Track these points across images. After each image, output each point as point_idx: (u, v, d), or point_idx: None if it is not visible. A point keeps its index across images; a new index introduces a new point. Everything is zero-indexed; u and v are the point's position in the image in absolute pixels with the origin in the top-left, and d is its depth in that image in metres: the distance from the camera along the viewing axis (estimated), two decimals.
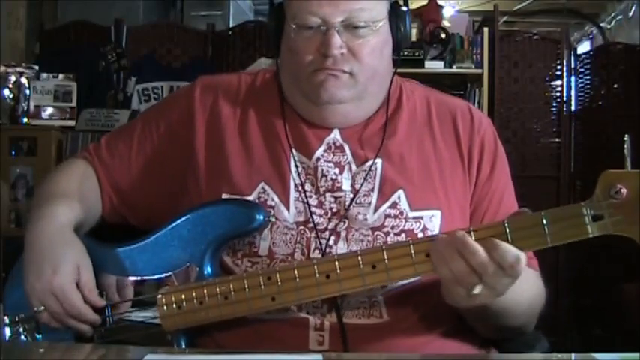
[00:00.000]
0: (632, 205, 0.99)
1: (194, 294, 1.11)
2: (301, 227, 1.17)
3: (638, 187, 0.99)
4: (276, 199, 1.18)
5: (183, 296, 1.12)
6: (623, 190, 0.99)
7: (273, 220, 1.17)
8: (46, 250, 1.15)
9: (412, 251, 1.05)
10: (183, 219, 1.18)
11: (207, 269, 1.15)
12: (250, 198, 1.18)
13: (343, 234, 1.16)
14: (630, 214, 0.99)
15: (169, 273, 1.17)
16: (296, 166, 1.20)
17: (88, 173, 1.29)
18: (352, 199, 1.18)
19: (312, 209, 1.17)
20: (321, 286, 1.07)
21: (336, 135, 1.23)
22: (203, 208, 1.18)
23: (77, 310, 1.13)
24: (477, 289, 1.01)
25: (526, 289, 1.12)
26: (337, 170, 1.20)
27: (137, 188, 1.29)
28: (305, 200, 1.18)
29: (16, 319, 1.16)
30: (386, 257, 1.05)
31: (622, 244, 1.01)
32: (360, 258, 1.06)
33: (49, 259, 1.13)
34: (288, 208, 1.18)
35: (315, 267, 1.07)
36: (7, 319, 1.16)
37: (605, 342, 3.60)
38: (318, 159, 1.21)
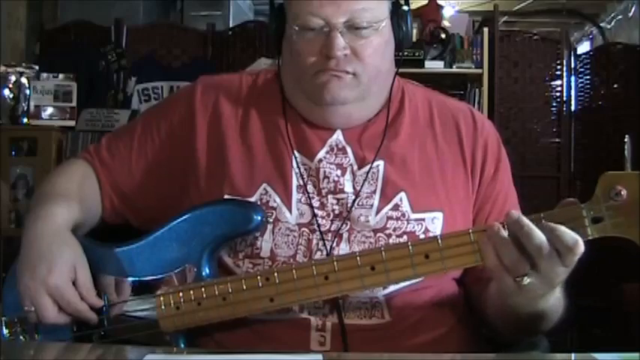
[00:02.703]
0: (633, 207, 0.98)
1: (192, 295, 1.11)
2: (303, 229, 1.17)
3: (638, 189, 0.98)
4: (278, 200, 1.18)
5: (181, 297, 1.11)
6: (624, 192, 0.98)
7: (271, 220, 1.16)
8: (42, 250, 1.14)
9: (411, 252, 1.04)
10: (180, 219, 1.18)
11: (205, 270, 1.15)
12: (252, 199, 1.18)
13: (345, 236, 1.16)
14: (630, 215, 0.98)
15: (167, 273, 1.16)
16: (298, 168, 1.20)
17: (88, 174, 1.29)
18: (354, 201, 1.18)
19: (315, 211, 1.17)
20: (320, 287, 1.07)
21: (338, 136, 1.23)
22: (200, 208, 1.18)
23: (74, 308, 1.12)
24: (527, 280, 0.98)
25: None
26: (339, 172, 1.20)
27: (138, 189, 1.28)
28: (308, 202, 1.18)
29: (15, 320, 1.15)
30: (385, 258, 1.05)
31: (622, 245, 1.00)
32: (358, 259, 1.06)
33: (44, 259, 1.13)
34: (290, 210, 1.18)
35: (314, 268, 1.07)
36: (3, 321, 1.15)
37: (605, 342, 3.60)
38: (320, 160, 1.21)
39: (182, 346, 1.13)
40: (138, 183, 1.28)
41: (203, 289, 1.11)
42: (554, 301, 1.08)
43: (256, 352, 1.03)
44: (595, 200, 0.99)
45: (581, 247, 0.97)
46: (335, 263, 1.06)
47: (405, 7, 1.24)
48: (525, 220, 0.98)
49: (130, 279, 1.18)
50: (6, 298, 1.20)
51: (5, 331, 1.16)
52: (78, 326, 1.15)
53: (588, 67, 4.23)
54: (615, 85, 4.15)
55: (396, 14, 1.22)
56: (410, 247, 1.05)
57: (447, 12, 4.51)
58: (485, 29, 4.03)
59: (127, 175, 1.28)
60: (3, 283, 1.22)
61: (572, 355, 1.12)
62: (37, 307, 1.11)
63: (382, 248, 1.06)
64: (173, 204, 1.24)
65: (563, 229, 0.97)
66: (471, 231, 1.03)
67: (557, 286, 1.02)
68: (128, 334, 1.16)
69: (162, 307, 1.12)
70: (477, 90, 3.96)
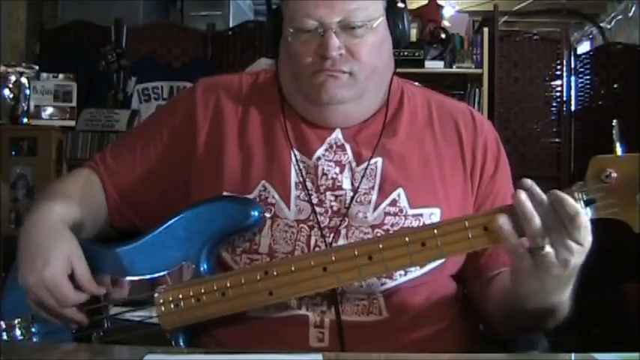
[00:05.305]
0: (623, 189, 1.00)
1: (191, 292, 1.11)
2: (302, 225, 1.17)
3: (627, 171, 1.00)
4: (276, 196, 1.18)
5: (180, 294, 1.12)
6: (614, 174, 1.00)
7: (269, 215, 1.17)
8: (38, 244, 1.15)
9: (407, 241, 1.05)
10: (178, 217, 1.18)
11: (204, 267, 1.15)
12: (251, 196, 1.18)
13: (343, 232, 1.16)
14: (621, 197, 1.00)
15: (166, 272, 1.17)
16: (297, 165, 1.20)
17: (92, 180, 1.30)
18: (352, 197, 1.18)
19: (313, 207, 1.17)
20: (319, 279, 1.07)
21: (337, 135, 1.23)
22: (198, 205, 1.18)
23: (70, 301, 1.13)
24: (547, 249, 0.98)
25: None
26: (338, 169, 1.21)
27: (142, 190, 1.29)
28: (307, 198, 1.18)
29: (12, 323, 1.15)
30: (381, 247, 1.05)
31: (622, 245, 1.00)
32: (355, 249, 1.06)
33: (40, 252, 1.13)
34: (288, 206, 1.18)
35: (312, 260, 1.07)
36: (2, 324, 1.15)
37: (605, 342, 3.60)
38: (318, 158, 1.21)
39: (182, 343, 1.13)
40: (142, 184, 1.29)
41: (202, 286, 1.11)
42: (564, 298, 1.08)
43: (256, 352, 1.03)
44: (586, 182, 1.01)
45: (582, 219, 0.97)
46: (332, 254, 1.07)
47: (401, 4, 1.24)
48: (537, 189, 0.99)
49: (129, 278, 1.18)
50: (6, 299, 1.20)
51: (4, 332, 1.16)
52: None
53: (588, 67, 4.23)
54: (615, 85, 4.16)
55: (392, 12, 1.22)
56: (406, 236, 1.05)
57: (447, 12, 4.51)
58: (485, 29, 4.04)
59: (131, 177, 1.29)
60: (3, 284, 1.23)
61: (572, 355, 1.11)
62: (40, 300, 1.12)
63: (379, 238, 1.07)
64: (176, 202, 1.24)
65: (567, 199, 0.98)
66: (466, 219, 1.04)
67: (570, 267, 1.01)
68: (127, 334, 1.16)
69: (162, 305, 1.12)
70: (477, 90, 3.96)
